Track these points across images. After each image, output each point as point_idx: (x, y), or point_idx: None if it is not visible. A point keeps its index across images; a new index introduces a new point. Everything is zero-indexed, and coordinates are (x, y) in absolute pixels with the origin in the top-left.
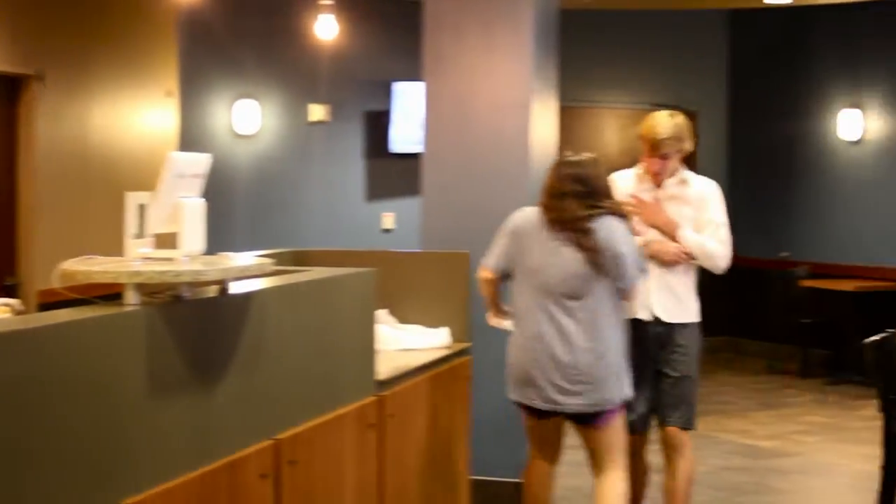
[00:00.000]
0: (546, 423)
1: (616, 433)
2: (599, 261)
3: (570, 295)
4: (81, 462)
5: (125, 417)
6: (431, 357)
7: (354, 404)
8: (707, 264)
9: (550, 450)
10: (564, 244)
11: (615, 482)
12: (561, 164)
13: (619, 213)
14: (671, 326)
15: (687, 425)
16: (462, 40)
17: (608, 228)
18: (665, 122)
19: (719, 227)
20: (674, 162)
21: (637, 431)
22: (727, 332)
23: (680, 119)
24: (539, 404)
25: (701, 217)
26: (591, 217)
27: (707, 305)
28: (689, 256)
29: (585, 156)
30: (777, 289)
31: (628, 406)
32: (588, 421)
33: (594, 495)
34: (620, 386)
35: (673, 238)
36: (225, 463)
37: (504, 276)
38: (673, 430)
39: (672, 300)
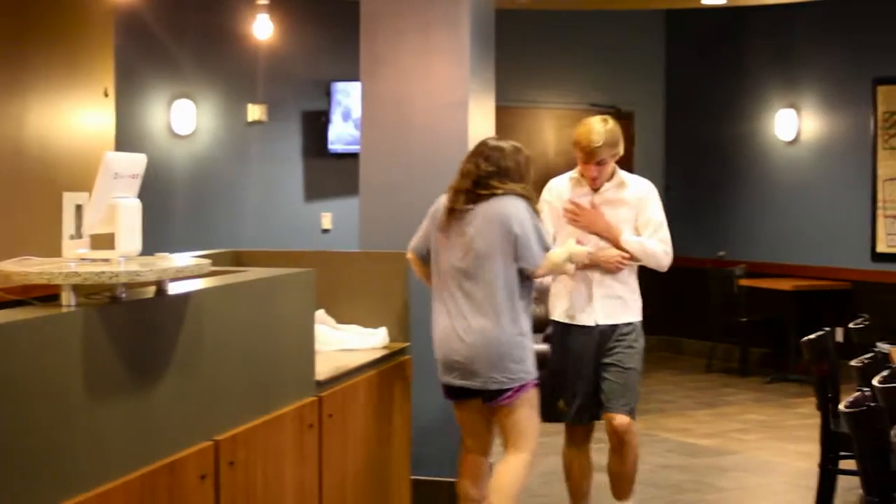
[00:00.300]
0: (466, 407)
1: (521, 415)
2: (475, 244)
3: (466, 275)
4: (18, 464)
5: (62, 419)
6: (370, 357)
7: (294, 405)
8: (651, 264)
9: (479, 441)
10: (456, 224)
11: (511, 465)
12: (478, 145)
13: (525, 195)
14: (615, 325)
15: (631, 413)
16: (399, 41)
17: (503, 208)
18: (598, 129)
19: (659, 226)
20: (609, 167)
21: (580, 423)
22: (666, 331)
23: (612, 125)
24: (451, 381)
25: (640, 218)
26: (480, 197)
27: (645, 305)
28: (632, 260)
29: (507, 142)
30: (715, 288)
31: (570, 397)
32: (493, 399)
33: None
34: (523, 366)
35: (615, 243)
36: (164, 464)
37: (425, 258)
38: (618, 416)
39: (617, 305)
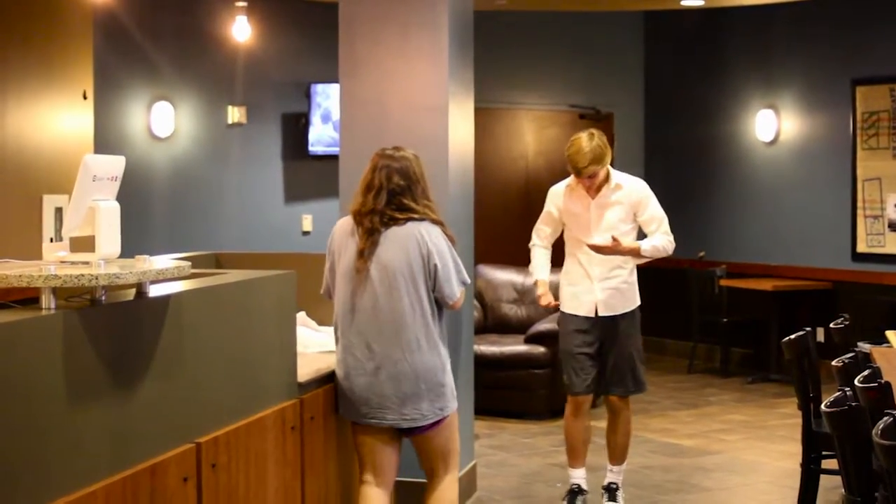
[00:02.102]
0: (379, 438)
1: (449, 438)
2: (391, 272)
3: (378, 302)
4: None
5: (43, 422)
6: None
7: (275, 407)
8: (661, 256)
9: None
10: (371, 248)
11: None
12: (380, 157)
13: (436, 220)
14: (615, 315)
15: (626, 394)
16: (378, 43)
17: (419, 237)
18: (585, 147)
19: (661, 220)
20: (601, 176)
21: (581, 393)
22: (647, 331)
23: (597, 140)
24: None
25: (643, 215)
26: (399, 220)
27: (640, 302)
28: (640, 256)
29: (406, 151)
30: (696, 289)
31: (575, 375)
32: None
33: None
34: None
35: (637, 255)
36: (146, 467)
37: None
38: (615, 398)
39: (616, 296)
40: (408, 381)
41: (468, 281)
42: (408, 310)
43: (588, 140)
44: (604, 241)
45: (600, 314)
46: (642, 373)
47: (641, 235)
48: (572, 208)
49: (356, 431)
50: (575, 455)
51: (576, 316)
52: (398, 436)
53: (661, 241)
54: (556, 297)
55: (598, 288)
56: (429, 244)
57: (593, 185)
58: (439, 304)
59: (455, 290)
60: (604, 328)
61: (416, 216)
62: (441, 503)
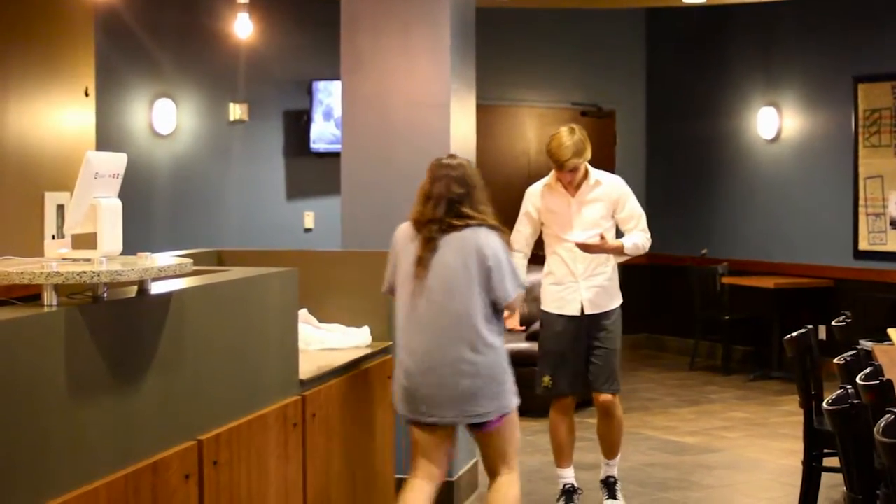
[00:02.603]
0: (436, 434)
1: (509, 437)
2: (452, 275)
3: (439, 304)
4: (0, 464)
5: (45, 419)
6: (353, 356)
7: (277, 404)
8: (639, 254)
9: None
10: (429, 255)
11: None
12: (437, 167)
13: (493, 225)
14: (599, 313)
15: (614, 391)
16: (380, 40)
17: (478, 241)
18: (566, 142)
19: (641, 217)
20: (581, 170)
21: (565, 395)
22: (649, 329)
23: (578, 135)
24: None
25: (622, 213)
26: (453, 227)
27: (628, 303)
28: (621, 255)
29: (461, 159)
30: (698, 286)
31: (558, 376)
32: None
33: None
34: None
35: (620, 253)
36: (148, 464)
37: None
38: (606, 398)
39: (600, 294)
40: (466, 380)
41: (525, 284)
42: (464, 311)
43: (569, 134)
44: (591, 240)
45: (586, 313)
46: (619, 370)
47: (618, 234)
48: (552, 206)
49: (413, 429)
50: (562, 455)
51: (561, 316)
52: (454, 433)
53: (640, 238)
54: (538, 297)
55: (583, 286)
56: (484, 248)
57: (573, 181)
58: (496, 305)
59: (510, 292)
60: (589, 327)
61: (473, 223)
62: (505, 500)
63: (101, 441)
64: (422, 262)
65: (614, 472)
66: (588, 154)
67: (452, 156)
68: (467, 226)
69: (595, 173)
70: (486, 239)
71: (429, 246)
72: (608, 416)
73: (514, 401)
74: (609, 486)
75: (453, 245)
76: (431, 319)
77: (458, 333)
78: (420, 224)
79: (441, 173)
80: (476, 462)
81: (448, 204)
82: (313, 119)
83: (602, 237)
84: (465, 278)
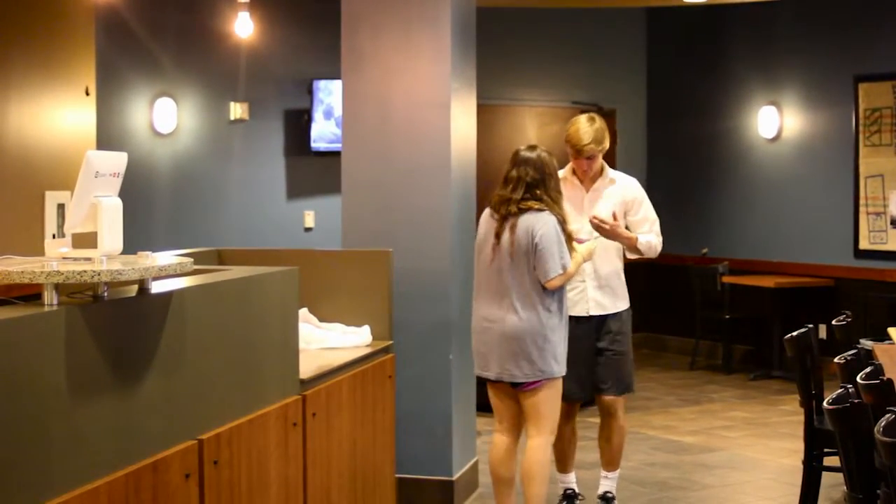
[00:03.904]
0: (499, 390)
1: (542, 401)
2: (514, 249)
3: (510, 272)
4: (1, 463)
5: (46, 418)
6: (354, 355)
7: (277, 403)
8: (651, 255)
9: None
10: (507, 230)
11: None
12: (517, 154)
13: (557, 212)
14: (607, 315)
15: (619, 393)
16: (380, 39)
17: (535, 222)
18: (586, 128)
19: (655, 222)
20: (598, 160)
21: (569, 401)
22: (649, 328)
23: (598, 124)
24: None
25: (636, 216)
26: (526, 209)
27: (629, 302)
28: (635, 252)
29: (540, 149)
30: (698, 285)
31: (566, 377)
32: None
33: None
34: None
35: (633, 245)
36: (148, 463)
37: None
38: (608, 398)
39: (607, 295)
40: (509, 341)
41: (569, 266)
42: (518, 280)
43: (588, 122)
44: (606, 218)
45: (593, 314)
46: (632, 373)
47: None
48: (565, 198)
49: (488, 385)
50: (564, 460)
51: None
52: (515, 391)
53: (654, 239)
54: None
55: (591, 286)
56: (540, 229)
57: (590, 171)
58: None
59: (549, 272)
60: (596, 328)
61: (542, 207)
62: (526, 463)
63: (101, 440)
64: (497, 236)
65: (612, 487)
66: (606, 143)
67: (532, 147)
68: (537, 209)
69: (612, 172)
70: (543, 222)
71: (504, 223)
72: (609, 416)
73: (555, 368)
74: (607, 501)
75: (524, 224)
76: (494, 286)
77: (510, 300)
78: (499, 204)
79: (521, 158)
80: (476, 462)
81: (526, 187)
82: (314, 118)
83: (615, 218)
84: (523, 253)
